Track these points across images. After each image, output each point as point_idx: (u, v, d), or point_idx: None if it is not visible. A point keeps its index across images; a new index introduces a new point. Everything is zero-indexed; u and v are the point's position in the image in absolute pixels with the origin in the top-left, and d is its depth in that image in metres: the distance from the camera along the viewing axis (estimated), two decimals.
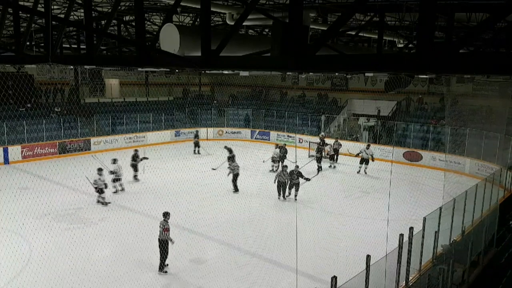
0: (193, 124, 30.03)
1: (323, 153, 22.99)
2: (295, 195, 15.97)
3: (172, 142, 27.30)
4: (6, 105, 21.99)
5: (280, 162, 19.28)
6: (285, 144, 21.75)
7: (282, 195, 16.01)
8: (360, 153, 20.68)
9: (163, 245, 10.00)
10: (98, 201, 14.95)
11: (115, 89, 30.92)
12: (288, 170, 15.94)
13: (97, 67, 15.96)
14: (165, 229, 9.96)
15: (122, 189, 16.41)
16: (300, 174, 15.89)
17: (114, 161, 16.16)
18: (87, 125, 25.00)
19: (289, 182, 15.99)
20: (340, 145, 23.06)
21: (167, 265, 10.18)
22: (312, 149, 24.16)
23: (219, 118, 30.98)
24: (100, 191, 14.86)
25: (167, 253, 10.02)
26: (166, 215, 10.17)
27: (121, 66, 16.15)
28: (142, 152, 18.30)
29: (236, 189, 16.74)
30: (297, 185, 15.98)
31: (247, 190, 16.45)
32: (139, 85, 31.33)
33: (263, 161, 20.24)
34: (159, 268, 10.03)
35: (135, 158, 18.35)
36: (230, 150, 18.77)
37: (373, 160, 20.44)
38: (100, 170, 14.90)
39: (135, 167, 18.24)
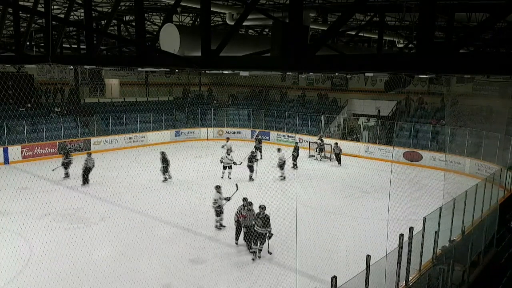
0: (193, 124, 30.04)
1: (320, 153, 23.26)
2: (259, 250, 10.92)
3: (172, 142, 27.30)
4: (6, 105, 21.99)
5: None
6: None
7: (235, 240, 11.60)
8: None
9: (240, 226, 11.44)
10: (216, 226, 12.64)
11: (115, 89, 30.93)
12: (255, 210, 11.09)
13: (97, 67, 15.96)
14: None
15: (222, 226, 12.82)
16: (267, 221, 10.71)
17: (218, 188, 12.61)
18: (87, 125, 25.00)
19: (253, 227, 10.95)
20: (340, 150, 22.71)
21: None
22: (312, 149, 24.24)
23: (219, 118, 30.99)
24: (218, 212, 12.55)
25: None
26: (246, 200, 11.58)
27: (121, 66, 16.16)
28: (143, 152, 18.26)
29: (85, 182, 17.03)
30: (262, 236, 10.76)
31: (247, 190, 16.43)
32: (139, 85, 31.35)
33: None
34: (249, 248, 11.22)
35: (252, 157, 18.42)
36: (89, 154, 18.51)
37: (235, 164, 18.09)
38: (218, 187, 12.55)
39: (251, 168, 18.30)
